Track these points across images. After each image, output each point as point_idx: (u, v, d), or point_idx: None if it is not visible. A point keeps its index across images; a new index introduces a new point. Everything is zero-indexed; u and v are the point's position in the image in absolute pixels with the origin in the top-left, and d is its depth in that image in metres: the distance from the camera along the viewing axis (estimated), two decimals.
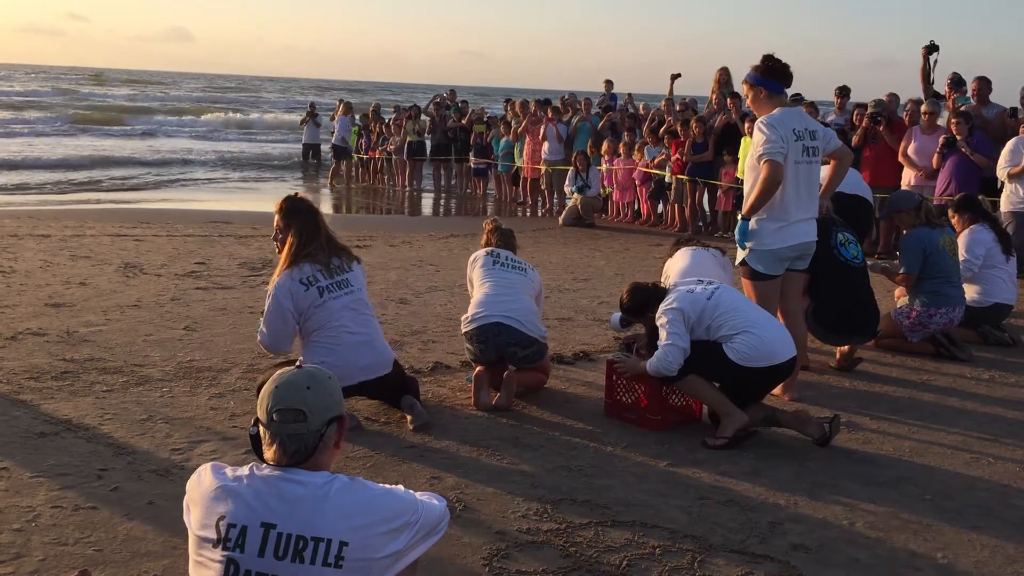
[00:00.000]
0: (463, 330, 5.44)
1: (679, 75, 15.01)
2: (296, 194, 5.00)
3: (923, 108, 10.78)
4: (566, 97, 17.07)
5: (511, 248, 5.79)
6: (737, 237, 5.43)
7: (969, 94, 10.71)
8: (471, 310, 5.43)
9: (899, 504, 3.99)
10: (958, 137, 9.95)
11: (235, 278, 8.64)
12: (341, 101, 21.35)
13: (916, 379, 6.01)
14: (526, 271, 5.64)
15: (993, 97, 10.73)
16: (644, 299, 5.01)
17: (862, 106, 11.70)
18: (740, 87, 5.50)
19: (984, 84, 10.59)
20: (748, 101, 5.50)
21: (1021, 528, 3.79)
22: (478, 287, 5.55)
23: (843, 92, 12.41)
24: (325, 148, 22.50)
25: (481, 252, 5.73)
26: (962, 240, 7.14)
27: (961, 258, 6.90)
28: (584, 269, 10.05)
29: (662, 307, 4.80)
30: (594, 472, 4.24)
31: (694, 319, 4.73)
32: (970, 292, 6.93)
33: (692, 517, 3.78)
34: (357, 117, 21.14)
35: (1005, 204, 9.43)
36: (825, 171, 5.66)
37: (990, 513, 3.93)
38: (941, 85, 11.31)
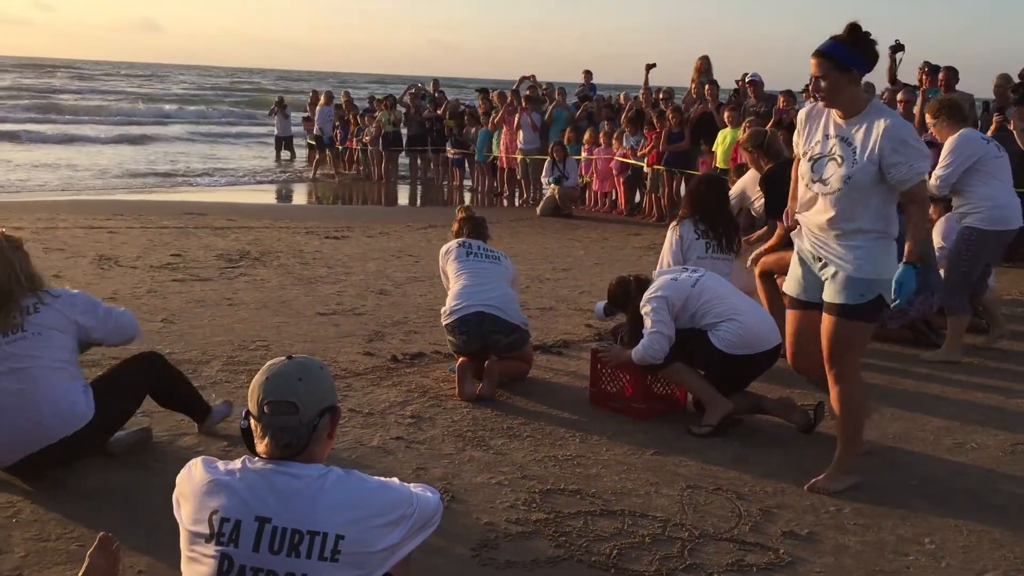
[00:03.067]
0: (444, 322, 5.41)
1: (654, 65, 15.02)
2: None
3: (899, 97, 10.86)
4: (545, 87, 17.03)
5: (483, 237, 5.77)
6: (901, 296, 3.79)
7: (937, 84, 10.79)
8: (450, 302, 5.40)
9: (885, 490, 4.01)
10: None
11: (212, 270, 8.54)
12: (317, 91, 21.25)
13: (896, 366, 6.04)
14: (499, 259, 5.62)
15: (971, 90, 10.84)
16: (626, 290, 5.02)
17: None
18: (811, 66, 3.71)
19: (951, 74, 10.68)
20: (825, 87, 3.73)
21: (1006, 512, 3.82)
22: (454, 280, 5.52)
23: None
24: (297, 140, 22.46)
25: (453, 244, 5.70)
26: (937, 228, 7.18)
27: (937, 246, 6.94)
28: (564, 259, 10.02)
29: (647, 295, 4.79)
30: (582, 461, 4.22)
31: (679, 306, 4.74)
32: None
33: (681, 505, 3.78)
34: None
35: None
36: None
37: (975, 498, 3.96)
38: (911, 78, 11.47)
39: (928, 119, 6.50)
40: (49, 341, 3.85)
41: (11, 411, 3.72)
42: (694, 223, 5.78)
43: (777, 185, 5.74)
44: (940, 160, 6.12)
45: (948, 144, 6.12)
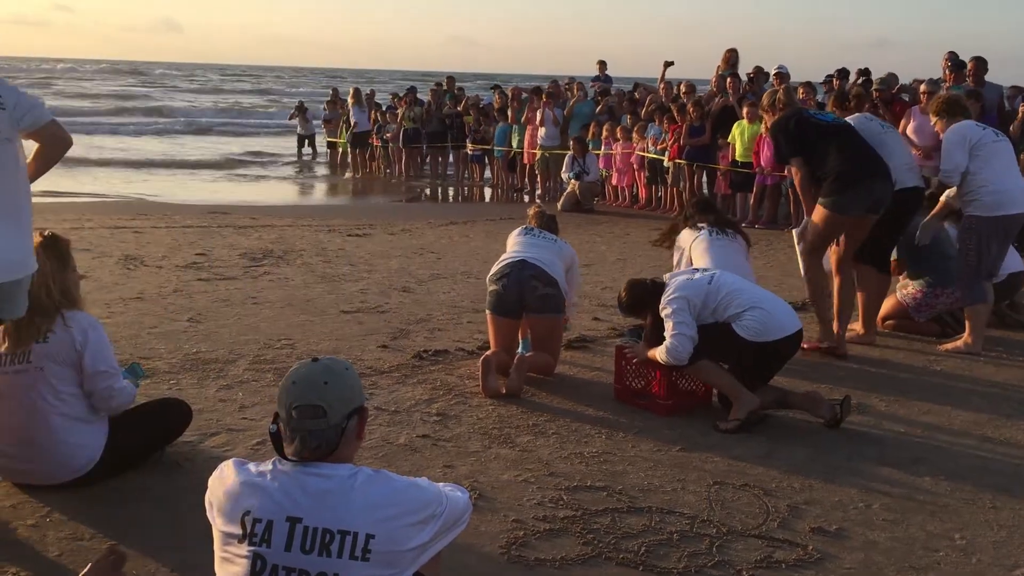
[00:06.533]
0: (488, 277, 5.58)
1: (672, 63, 14.98)
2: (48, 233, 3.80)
3: (922, 88, 10.73)
4: (566, 82, 16.99)
5: (550, 230, 5.90)
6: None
7: (964, 79, 10.63)
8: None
9: (914, 486, 3.99)
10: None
11: (237, 268, 8.60)
12: (338, 91, 21.35)
13: (924, 359, 6.00)
14: (556, 241, 5.77)
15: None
16: (643, 294, 5.01)
17: (867, 83, 11.63)
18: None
19: (980, 64, 10.53)
20: None
21: None
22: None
23: (842, 75, 12.38)
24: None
25: (517, 228, 5.92)
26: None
27: None
28: (586, 255, 9.99)
29: (665, 297, 4.78)
30: (608, 458, 4.22)
31: (699, 304, 4.73)
32: None
33: (708, 502, 3.77)
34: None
35: None
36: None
37: (1005, 493, 3.93)
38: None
39: (931, 118, 6.45)
40: (53, 378, 3.62)
41: (8, 448, 3.65)
42: (693, 225, 6.00)
43: (783, 130, 5.89)
44: (942, 155, 6.04)
45: (944, 137, 6.07)
